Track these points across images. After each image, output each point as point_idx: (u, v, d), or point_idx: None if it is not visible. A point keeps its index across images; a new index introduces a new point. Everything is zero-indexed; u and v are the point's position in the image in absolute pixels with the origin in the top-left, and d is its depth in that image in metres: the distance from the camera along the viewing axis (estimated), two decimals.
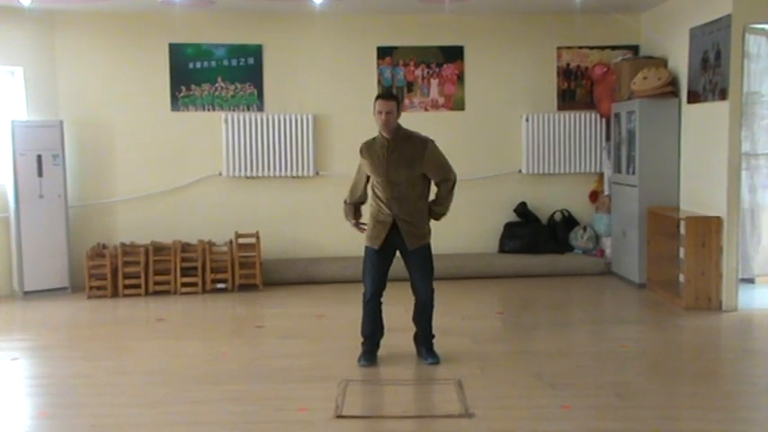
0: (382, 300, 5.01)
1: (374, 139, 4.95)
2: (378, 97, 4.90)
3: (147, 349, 5.59)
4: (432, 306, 5.02)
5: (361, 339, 5.05)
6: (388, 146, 4.84)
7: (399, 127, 4.88)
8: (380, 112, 4.79)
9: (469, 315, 6.37)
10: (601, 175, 8.19)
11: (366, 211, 5.14)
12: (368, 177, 5.02)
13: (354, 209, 5.17)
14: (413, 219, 4.88)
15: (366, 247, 4.99)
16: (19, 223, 7.21)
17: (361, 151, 4.99)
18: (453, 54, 8.09)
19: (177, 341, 5.78)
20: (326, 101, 8.00)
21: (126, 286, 7.33)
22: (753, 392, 4.56)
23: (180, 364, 5.11)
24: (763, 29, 6.75)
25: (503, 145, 8.17)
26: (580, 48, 8.15)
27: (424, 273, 4.96)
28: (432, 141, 4.92)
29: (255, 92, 7.95)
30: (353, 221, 5.18)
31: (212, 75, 7.89)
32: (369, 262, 4.97)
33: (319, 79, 8.00)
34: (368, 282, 4.97)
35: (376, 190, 4.94)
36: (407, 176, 4.83)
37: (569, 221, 8.20)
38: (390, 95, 5.07)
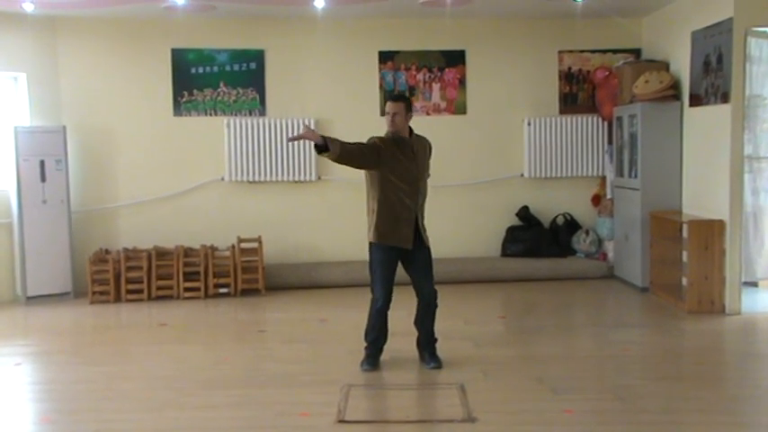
0: (389, 305, 4.99)
1: (391, 137, 4.90)
2: (387, 99, 5.08)
3: (150, 354, 5.59)
4: (436, 306, 5.03)
5: (365, 344, 5.05)
6: (412, 143, 4.93)
7: (411, 129, 4.98)
8: (388, 113, 4.89)
9: (472, 319, 6.36)
10: (603, 178, 8.18)
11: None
12: (372, 157, 4.78)
13: (338, 155, 4.64)
14: (423, 215, 5.00)
15: (376, 252, 4.89)
16: (22, 228, 7.23)
17: (385, 139, 4.85)
18: (455, 58, 8.10)
19: (180, 346, 5.79)
20: (328, 105, 8.00)
21: (129, 291, 7.34)
22: (756, 396, 4.55)
23: (182, 369, 5.11)
24: (764, 32, 6.74)
25: (505, 149, 8.17)
26: (582, 51, 8.15)
27: (429, 272, 4.98)
28: None
29: (257, 96, 7.96)
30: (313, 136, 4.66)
31: (214, 80, 7.90)
32: (381, 266, 4.89)
33: (321, 84, 8.01)
34: (380, 289, 4.90)
35: (398, 186, 4.81)
36: (426, 173, 5.04)
37: (572, 225, 8.19)
38: (398, 97, 5.18)
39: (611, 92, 7.88)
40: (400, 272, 4.99)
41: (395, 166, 4.82)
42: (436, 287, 5.03)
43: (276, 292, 7.55)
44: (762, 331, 5.98)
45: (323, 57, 8.01)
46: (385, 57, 8.04)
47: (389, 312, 5.01)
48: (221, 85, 7.91)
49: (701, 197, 6.79)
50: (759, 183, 7.20)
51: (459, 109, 8.13)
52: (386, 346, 5.08)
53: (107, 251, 7.60)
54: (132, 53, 7.82)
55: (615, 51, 8.10)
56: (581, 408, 4.24)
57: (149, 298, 7.35)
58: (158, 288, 7.38)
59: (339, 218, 7.89)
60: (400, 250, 4.91)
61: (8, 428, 4.15)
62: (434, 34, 8.02)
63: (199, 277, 7.42)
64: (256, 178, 7.91)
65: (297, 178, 7.94)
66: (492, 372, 4.90)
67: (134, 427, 4.14)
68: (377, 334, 5.00)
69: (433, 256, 5.05)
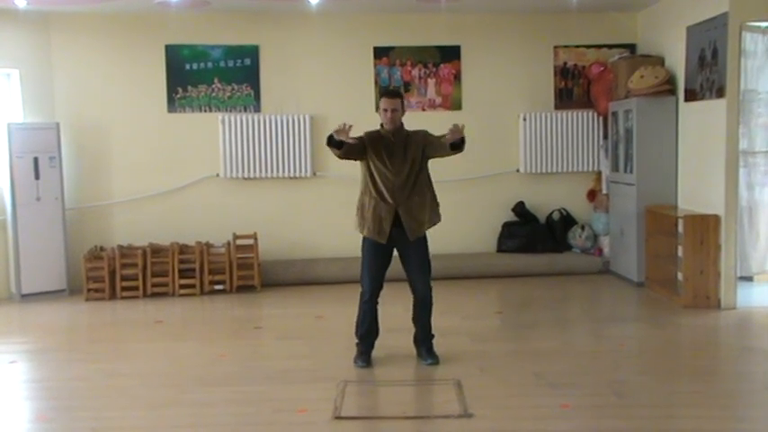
0: (378, 300, 5.00)
1: (378, 132, 4.95)
2: (383, 95, 5.04)
3: (146, 351, 5.58)
4: (431, 303, 5.01)
5: (356, 340, 5.05)
6: (393, 137, 4.89)
7: (402, 124, 4.96)
8: (386, 110, 4.88)
9: (468, 315, 6.36)
10: (599, 173, 8.19)
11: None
12: (361, 151, 4.88)
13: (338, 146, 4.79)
14: (413, 209, 4.89)
15: (366, 245, 4.95)
16: (16, 226, 7.20)
17: (369, 134, 4.94)
18: (450, 53, 8.09)
19: (176, 343, 5.78)
20: (323, 101, 7.99)
21: (124, 288, 7.32)
22: (751, 390, 4.56)
23: (178, 366, 5.10)
24: (759, 26, 6.75)
25: (500, 144, 8.17)
26: (577, 47, 8.15)
27: (422, 268, 4.96)
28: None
29: (252, 93, 7.94)
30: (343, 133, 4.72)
31: (209, 76, 7.88)
32: (369, 259, 4.93)
33: (316, 80, 7.99)
34: (366, 280, 4.94)
35: (378, 180, 4.85)
36: (411, 167, 4.89)
37: (567, 220, 8.20)
38: (395, 93, 5.18)
39: (607, 87, 7.88)
40: (397, 267, 4.99)
41: (378, 160, 4.85)
42: (432, 283, 5.01)
43: (272, 289, 7.54)
44: (757, 326, 6.00)
45: (318, 52, 7.99)
46: (380, 52, 8.03)
47: (383, 308, 5.03)
48: (216, 81, 7.89)
49: (697, 192, 6.80)
50: (754, 177, 7.21)
51: (455, 104, 8.12)
52: (382, 343, 5.07)
53: (102, 248, 7.58)
54: (126, 49, 7.78)
55: (610, 46, 8.10)
56: (577, 402, 4.25)
57: (144, 295, 7.33)
58: (153, 285, 7.37)
59: (335, 214, 7.86)
60: (393, 244, 4.91)
61: (4, 427, 4.14)
62: (429, 30, 8.01)
63: (194, 274, 7.40)
64: (251, 175, 7.89)
65: (292, 174, 7.92)
66: (488, 367, 4.91)
67: (130, 424, 4.13)
68: (367, 329, 4.99)
69: (429, 251, 5.04)
